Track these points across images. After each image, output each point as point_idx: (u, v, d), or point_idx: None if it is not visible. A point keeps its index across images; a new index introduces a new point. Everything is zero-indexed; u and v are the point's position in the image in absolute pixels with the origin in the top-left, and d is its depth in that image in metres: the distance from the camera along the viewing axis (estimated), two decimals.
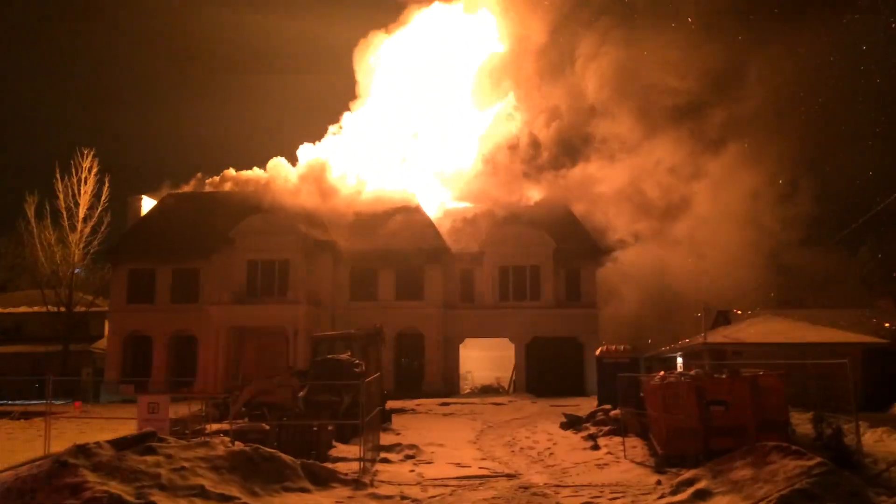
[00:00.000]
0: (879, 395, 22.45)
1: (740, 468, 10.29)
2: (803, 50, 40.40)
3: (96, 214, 40.31)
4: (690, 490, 10.26)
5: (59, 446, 12.61)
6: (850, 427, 12.88)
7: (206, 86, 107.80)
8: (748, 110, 40.75)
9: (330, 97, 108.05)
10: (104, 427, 18.53)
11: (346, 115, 44.21)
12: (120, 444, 10.55)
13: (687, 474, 11.01)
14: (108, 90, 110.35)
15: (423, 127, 43.22)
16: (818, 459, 9.56)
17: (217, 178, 43.75)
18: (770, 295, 41.58)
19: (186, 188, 43.73)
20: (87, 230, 40.07)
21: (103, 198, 40.47)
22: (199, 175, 44.35)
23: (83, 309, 41.13)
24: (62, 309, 39.68)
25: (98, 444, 10.42)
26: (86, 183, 40.03)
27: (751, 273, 37.00)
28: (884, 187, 38.40)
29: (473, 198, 40.77)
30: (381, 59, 45.19)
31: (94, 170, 40.38)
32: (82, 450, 10.13)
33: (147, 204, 40.92)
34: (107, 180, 40.72)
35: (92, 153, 40.36)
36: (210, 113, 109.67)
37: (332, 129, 43.63)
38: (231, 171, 43.56)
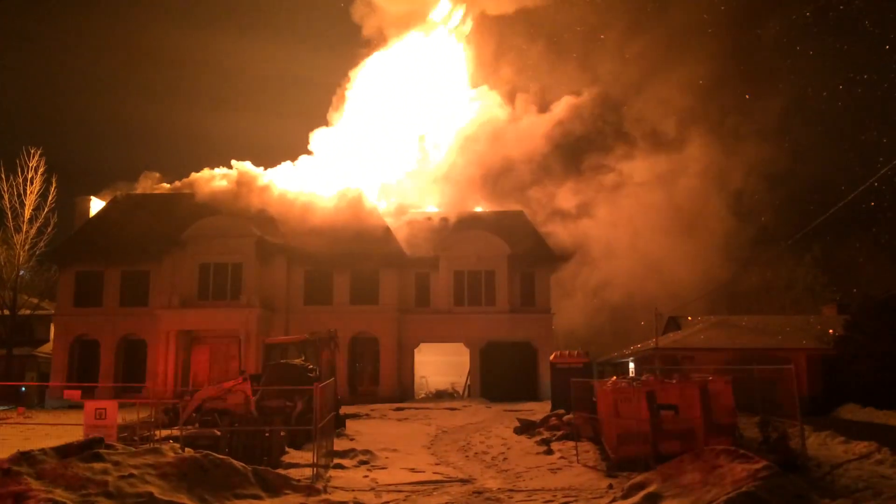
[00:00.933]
0: (823, 400, 23.11)
1: (689, 472, 10.48)
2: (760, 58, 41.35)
3: (42, 215, 39.29)
4: (641, 494, 10.41)
5: (1, 453, 12.23)
6: (794, 431, 13.23)
7: (160, 84, 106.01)
8: (706, 118, 41.52)
9: (293, 96, 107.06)
10: (49, 433, 18.03)
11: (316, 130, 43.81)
12: (65, 451, 10.31)
13: (637, 478, 11.17)
14: (57, 88, 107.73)
15: (383, 129, 43.06)
16: (764, 463, 9.78)
17: (177, 183, 42.97)
18: (719, 302, 42.44)
19: (138, 188, 42.88)
20: (33, 231, 39.04)
21: (50, 198, 39.49)
22: (156, 175, 43.46)
23: (28, 312, 40.04)
24: (6, 312, 38.55)
25: (43, 450, 10.18)
26: (32, 183, 39.00)
27: (701, 280, 37.75)
28: (831, 195, 39.53)
29: (430, 202, 40.85)
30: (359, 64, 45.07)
31: (41, 169, 39.39)
32: (26, 457, 9.88)
33: (96, 205, 40.01)
34: (54, 180, 39.74)
35: (39, 152, 39.38)
36: (163, 112, 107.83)
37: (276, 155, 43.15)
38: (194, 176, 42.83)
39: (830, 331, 27.64)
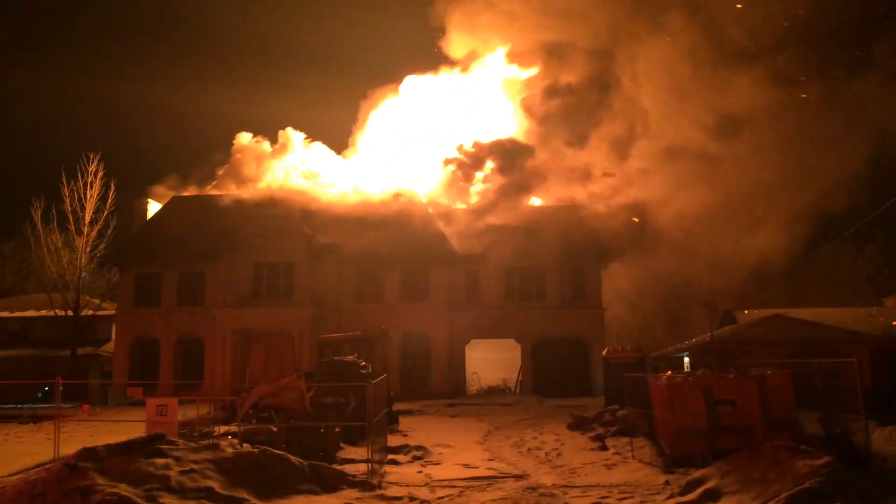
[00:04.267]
0: (888, 394, 22.37)
1: (749, 468, 10.28)
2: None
3: (102, 218, 40.31)
4: (699, 490, 10.25)
5: (68, 449, 12.64)
6: (858, 426, 12.85)
7: (213, 84, 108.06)
8: (764, 99, 39.89)
9: (341, 91, 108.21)
10: (113, 430, 18.55)
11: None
12: (129, 447, 10.60)
13: (695, 474, 11.00)
14: (114, 92, 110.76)
15: (433, 126, 43.00)
16: (827, 458, 9.55)
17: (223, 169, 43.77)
18: (777, 294, 41.40)
19: (191, 186, 43.80)
20: (94, 234, 40.09)
21: (109, 201, 40.48)
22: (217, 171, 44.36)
23: (90, 312, 41.14)
24: (69, 313, 39.73)
25: (107, 447, 10.47)
26: (91, 187, 40.04)
27: (758, 272, 36.84)
28: (892, 184, 38.05)
29: (478, 198, 40.66)
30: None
31: (100, 174, 40.40)
32: (91, 453, 10.17)
33: (153, 207, 41.01)
34: (112, 184, 40.78)
35: (98, 157, 40.41)
36: (217, 112, 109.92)
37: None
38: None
39: (894, 322, 26.83)
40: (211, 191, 42.89)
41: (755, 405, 13.06)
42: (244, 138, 43.34)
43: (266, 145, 42.97)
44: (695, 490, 10.33)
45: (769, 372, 14.14)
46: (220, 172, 43.20)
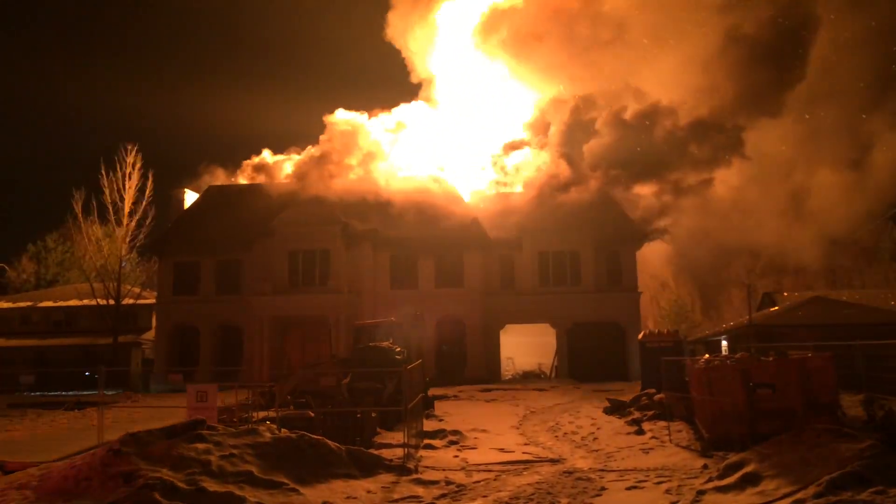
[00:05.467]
0: None
1: (789, 451, 10.13)
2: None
3: (141, 208, 41.00)
4: (738, 474, 10.13)
5: (111, 435, 12.91)
6: None
7: (249, 75, 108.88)
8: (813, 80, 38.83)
9: (376, 80, 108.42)
10: (154, 416, 18.91)
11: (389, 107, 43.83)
12: (170, 433, 10.79)
13: (734, 458, 10.87)
14: (151, 85, 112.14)
15: (466, 112, 42.84)
16: (870, 442, 9.38)
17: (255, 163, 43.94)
18: (817, 275, 40.64)
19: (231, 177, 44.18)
20: (133, 224, 40.80)
21: (147, 192, 41.15)
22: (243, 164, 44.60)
23: (131, 301, 41.95)
24: (111, 302, 40.52)
25: (149, 432, 10.67)
26: (130, 178, 40.72)
27: (797, 253, 36.17)
28: None
29: (512, 183, 40.52)
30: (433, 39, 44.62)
31: (138, 165, 41.05)
32: (134, 438, 10.38)
33: (190, 197, 41.55)
34: (150, 175, 41.40)
35: (135, 148, 41.04)
36: (252, 102, 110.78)
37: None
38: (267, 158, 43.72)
39: None
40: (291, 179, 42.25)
41: (795, 388, 12.85)
42: (339, 117, 42.35)
43: (366, 126, 41.99)
44: (733, 474, 10.22)
45: (809, 355, 13.91)
46: (311, 157, 42.31)
